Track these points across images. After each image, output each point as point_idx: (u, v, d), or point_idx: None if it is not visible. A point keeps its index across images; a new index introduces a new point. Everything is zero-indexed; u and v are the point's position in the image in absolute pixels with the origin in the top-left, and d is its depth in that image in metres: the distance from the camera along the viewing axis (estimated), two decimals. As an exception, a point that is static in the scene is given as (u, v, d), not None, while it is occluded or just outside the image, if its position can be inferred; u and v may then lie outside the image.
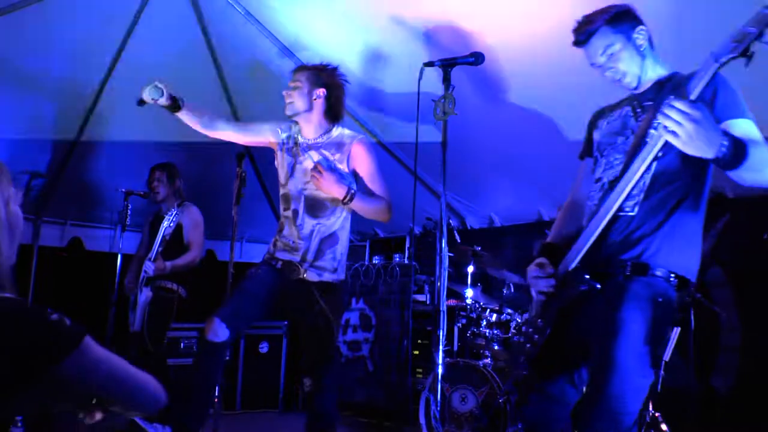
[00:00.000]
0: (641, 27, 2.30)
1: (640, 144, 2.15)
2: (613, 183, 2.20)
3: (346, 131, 3.40)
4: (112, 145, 5.64)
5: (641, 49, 2.29)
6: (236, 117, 5.72)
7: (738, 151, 1.88)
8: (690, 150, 1.86)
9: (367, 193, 3.31)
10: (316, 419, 3.23)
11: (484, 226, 6.01)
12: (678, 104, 1.83)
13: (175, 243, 4.67)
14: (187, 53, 5.13)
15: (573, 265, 2.22)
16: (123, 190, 4.77)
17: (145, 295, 4.63)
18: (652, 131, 2.13)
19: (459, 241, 5.38)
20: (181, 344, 5.68)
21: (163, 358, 4.78)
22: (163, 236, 4.46)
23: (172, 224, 4.46)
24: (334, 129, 3.38)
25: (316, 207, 3.27)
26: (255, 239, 7.07)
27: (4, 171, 1.50)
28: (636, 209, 2.19)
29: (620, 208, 2.18)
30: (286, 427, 5.70)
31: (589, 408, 2.08)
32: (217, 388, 3.38)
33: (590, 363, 2.22)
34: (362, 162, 3.29)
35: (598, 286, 2.16)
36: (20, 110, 5.10)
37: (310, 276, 3.24)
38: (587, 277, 2.16)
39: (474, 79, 4.12)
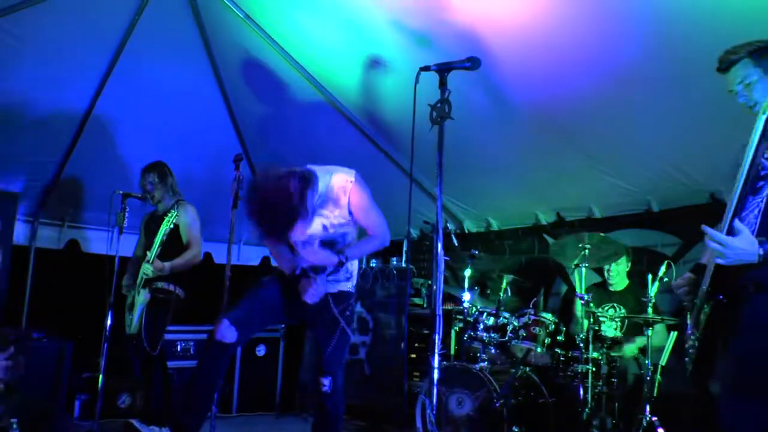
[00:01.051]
0: None
1: (756, 176, 2.32)
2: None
3: (336, 173, 3.23)
4: (110, 148, 5.66)
5: None
6: (234, 122, 5.75)
7: None
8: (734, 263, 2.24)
9: (359, 244, 3.35)
10: (327, 419, 3.29)
11: (481, 230, 6.02)
12: (709, 237, 2.24)
13: (174, 243, 4.67)
14: (185, 57, 5.16)
15: (704, 287, 2.46)
16: (120, 192, 4.76)
17: (143, 297, 4.64)
18: (761, 161, 2.29)
19: (456, 244, 5.40)
20: (178, 346, 5.69)
21: (162, 360, 4.78)
22: (162, 238, 4.47)
23: (171, 226, 4.47)
24: (324, 177, 3.18)
25: (331, 244, 3.27)
26: (251, 241, 7.07)
27: None
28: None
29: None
30: (282, 430, 5.70)
31: None
32: (217, 389, 3.39)
33: None
34: (357, 200, 3.21)
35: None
36: (18, 113, 5.11)
37: (328, 288, 3.31)
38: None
39: (473, 83, 4.13)
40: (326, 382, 3.26)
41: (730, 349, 2.38)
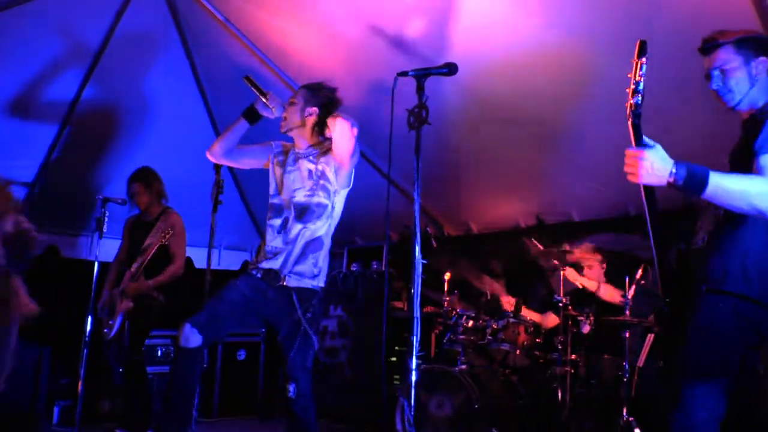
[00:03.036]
0: (763, 58, 2.43)
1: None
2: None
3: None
4: (89, 152, 5.64)
5: (754, 77, 2.42)
6: (214, 126, 5.75)
7: (692, 181, 2.15)
8: (645, 183, 2.21)
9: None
10: (296, 425, 3.27)
11: (461, 234, 6.06)
12: (629, 152, 2.21)
13: (159, 254, 4.67)
14: (164, 61, 5.16)
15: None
16: (100, 197, 4.76)
17: (125, 304, 4.64)
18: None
19: (435, 247, 5.43)
20: (159, 351, 5.68)
21: (143, 365, 4.78)
22: (155, 251, 4.50)
23: (165, 241, 4.48)
24: (327, 142, 3.44)
25: (303, 212, 3.33)
26: (233, 246, 7.07)
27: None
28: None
29: None
30: (264, 434, 5.73)
31: None
32: (196, 394, 3.39)
33: None
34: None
35: None
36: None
37: (290, 282, 3.28)
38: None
39: (451, 88, 4.17)
40: (290, 387, 3.26)
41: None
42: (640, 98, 2.29)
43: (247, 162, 3.65)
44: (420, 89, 2.84)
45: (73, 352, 4.89)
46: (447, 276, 4.93)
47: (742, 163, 2.31)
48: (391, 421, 4.47)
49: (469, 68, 3.92)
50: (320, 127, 3.47)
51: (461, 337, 4.60)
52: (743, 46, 2.43)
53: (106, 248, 5.08)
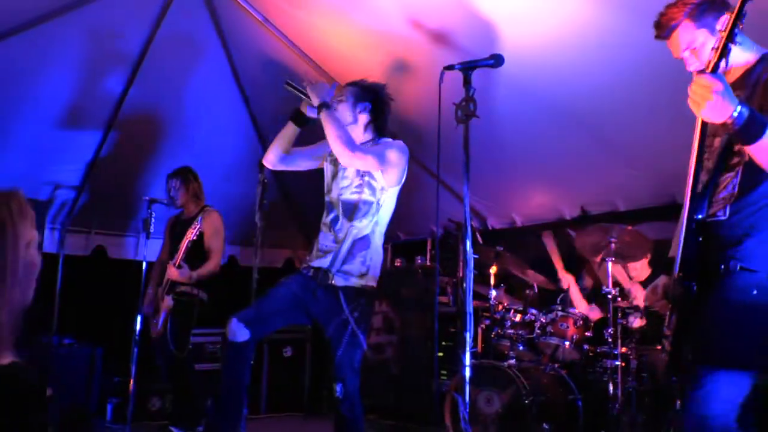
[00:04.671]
0: (726, 15, 2.20)
1: (724, 146, 2.17)
2: (706, 187, 2.22)
3: (389, 140, 3.44)
4: (134, 154, 5.72)
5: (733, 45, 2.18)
6: (255, 125, 5.77)
7: (756, 121, 1.92)
8: (706, 116, 1.95)
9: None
10: (344, 425, 3.26)
11: (505, 227, 6.00)
12: (700, 79, 1.92)
13: (196, 249, 4.71)
14: (205, 62, 5.19)
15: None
16: (146, 198, 4.82)
17: (166, 302, 4.69)
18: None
19: (481, 242, 5.38)
20: (207, 349, 5.74)
21: (189, 362, 4.83)
22: (187, 245, 4.52)
23: (195, 236, 4.51)
24: (380, 140, 3.42)
25: (351, 210, 3.31)
26: (276, 244, 7.10)
27: (30, 213, 1.45)
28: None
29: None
30: (310, 431, 5.73)
31: None
32: (246, 390, 3.39)
33: None
34: (388, 144, 3.35)
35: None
36: (43, 122, 5.18)
37: (338, 281, 3.27)
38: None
39: (495, 80, 4.12)
40: (337, 387, 3.25)
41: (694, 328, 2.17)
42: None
43: (303, 164, 3.63)
44: (467, 82, 2.80)
45: (124, 350, 4.95)
46: (493, 270, 4.88)
47: None
48: (440, 416, 4.45)
49: (512, 58, 3.86)
50: (373, 123, 3.45)
51: (509, 331, 4.55)
52: (700, 14, 2.22)
53: (154, 248, 5.16)
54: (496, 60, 2.86)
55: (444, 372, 5.40)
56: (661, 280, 2.48)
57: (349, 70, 4.86)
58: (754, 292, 2.06)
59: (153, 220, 4.72)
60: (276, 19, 4.66)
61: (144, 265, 4.82)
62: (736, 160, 2.18)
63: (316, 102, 3.27)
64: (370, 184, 3.33)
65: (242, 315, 3.20)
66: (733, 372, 2.06)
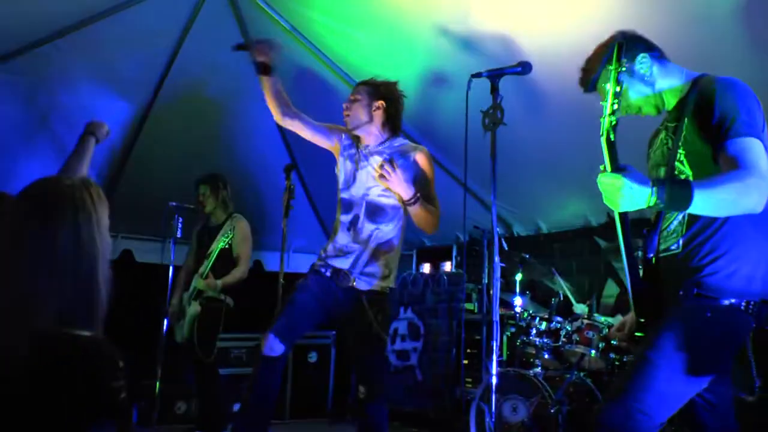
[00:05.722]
0: (642, 55, 2.25)
1: (671, 176, 2.13)
2: (655, 222, 2.21)
3: (407, 141, 3.45)
4: (162, 159, 5.76)
5: (647, 79, 2.26)
6: (282, 132, 5.79)
7: (675, 200, 1.92)
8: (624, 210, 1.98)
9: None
10: (369, 428, 3.25)
11: (531, 233, 5.96)
12: (601, 179, 1.98)
13: (225, 257, 4.76)
14: (232, 67, 5.22)
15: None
16: (173, 204, 4.86)
17: (193, 308, 4.72)
18: (677, 164, 2.12)
19: (506, 248, 5.35)
20: (232, 354, 5.77)
21: (215, 367, 4.85)
22: (215, 253, 4.56)
23: (226, 245, 4.55)
24: (396, 140, 3.43)
25: (376, 213, 3.30)
26: (301, 249, 7.12)
27: (105, 200, 1.55)
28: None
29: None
30: (335, 436, 5.75)
31: None
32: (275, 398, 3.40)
33: None
34: (423, 170, 3.35)
35: None
36: (71, 127, 5.23)
37: (360, 284, 3.26)
38: None
39: (521, 86, 4.10)
40: (362, 390, 3.25)
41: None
42: (617, 111, 2.03)
43: (309, 134, 3.63)
44: (494, 90, 2.80)
45: (150, 353, 5.00)
46: (518, 277, 4.85)
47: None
48: (465, 425, 4.42)
49: (539, 64, 3.84)
50: (389, 120, 3.45)
51: (535, 339, 4.51)
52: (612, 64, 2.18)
53: (180, 254, 5.19)
54: (524, 67, 2.87)
55: (469, 380, 5.37)
56: (629, 317, 2.45)
57: (377, 78, 4.89)
58: (708, 314, 2.04)
59: (179, 225, 4.76)
60: (302, 27, 4.67)
61: (170, 269, 4.86)
62: None
63: (407, 197, 3.24)
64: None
65: (277, 328, 3.19)
66: (680, 379, 2.02)
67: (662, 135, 2.29)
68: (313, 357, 6.11)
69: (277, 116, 3.61)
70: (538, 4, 3.63)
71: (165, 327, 4.86)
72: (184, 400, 5.50)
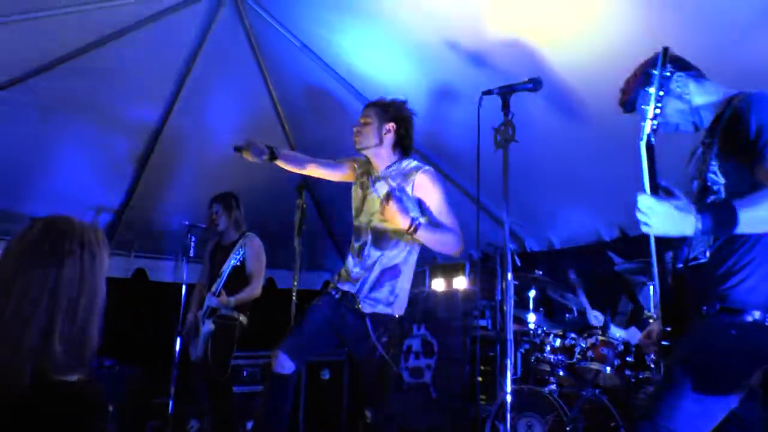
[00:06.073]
0: (678, 74, 2.28)
1: (704, 190, 2.16)
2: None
3: (413, 162, 3.45)
4: (175, 178, 5.79)
5: (684, 96, 2.28)
6: (292, 148, 5.81)
7: (722, 226, 1.90)
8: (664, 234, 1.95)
9: (435, 224, 3.32)
10: None
11: (543, 249, 5.93)
12: (642, 200, 1.95)
13: (238, 274, 4.77)
14: (243, 86, 5.25)
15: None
16: (186, 223, 4.88)
17: (207, 326, 4.72)
18: (711, 175, 2.15)
19: (519, 264, 5.33)
20: (244, 372, 5.76)
21: (228, 386, 4.84)
22: (228, 271, 4.56)
23: (238, 262, 4.56)
24: (404, 161, 3.43)
25: (381, 239, 3.31)
26: (312, 267, 7.12)
27: (106, 242, 1.58)
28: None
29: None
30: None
31: None
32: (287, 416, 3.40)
33: None
34: (427, 193, 3.32)
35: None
36: (85, 146, 5.28)
37: (365, 307, 3.27)
38: None
39: (532, 101, 4.10)
40: (368, 413, 3.25)
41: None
42: (659, 116, 2.03)
43: (324, 173, 3.73)
44: (505, 106, 2.80)
45: (163, 372, 5.00)
46: (531, 293, 4.82)
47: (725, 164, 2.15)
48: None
49: (549, 79, 3.84)
50: (399, 144, 3.46)
51: (549, 356, 4.47)
52: (652, 82, 2.21)
53: (193, 272, 5.21)
54: (535, 84, 2.87)
55: (483, 397, 5.33)
56: (656, 325, 2.45)
57: (387, 95, 4.90)
58: (732, 331, 2.04)
59: (192, 244, 4.77)
60: (313, 45, 4.69)
61: (184, 287, 4.86)
62: (712, 201, 2.17)
63: (404, 227, 3.21)
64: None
65: (287, 346, 3.21)
66: (708, 398, 2.02)
67: (699, 151, 2.33)
68: (326, 374, 6.09)
69: (294, 170, 3.74)
70: (550, 18, 3.63)
71: (178, 345, 4.86)
72: (197, 418, 5.48)
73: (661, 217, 1.91)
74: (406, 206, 3.26)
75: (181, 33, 4.64)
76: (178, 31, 4.59)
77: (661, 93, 2.02)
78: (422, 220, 3.26)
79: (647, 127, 2.01)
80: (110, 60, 4.54)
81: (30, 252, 1.47)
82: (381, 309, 3.29)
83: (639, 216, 1.96)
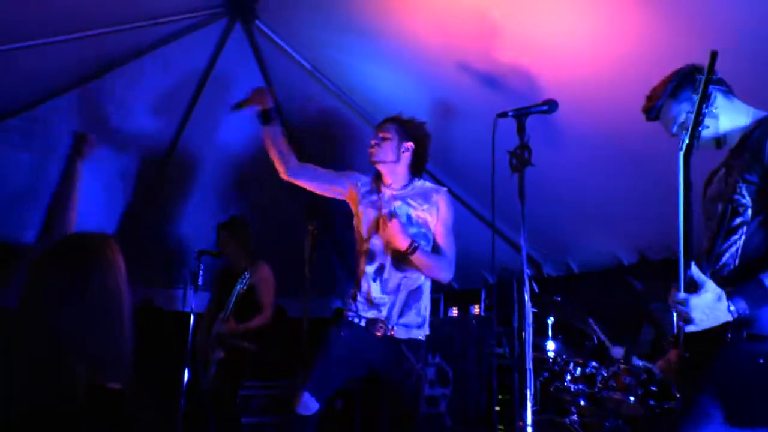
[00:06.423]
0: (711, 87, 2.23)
1: (730, 213, 2.17)
2: (708, 253, 2.22)
3: (428, 184, 3.48)
4: (183, 205, 5.84)
5: (713, 110, 2.28)
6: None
7: (757, 302, 1.98)
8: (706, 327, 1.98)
9: (433, 248, 3.35)
10: None
11: (561, 274, 5.93)
12: (675, 299, 2.00)
13: (248, 303, 4.77)
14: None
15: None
16: (196, 249, 4.90)
17: (216, 355, 4.73)
18: (737, 197, 2.16)
19: (537, 290, 5.32)
20: (254, 402, 5.76)
21: (237, 416, 4.85)
22: (235, 298, 4.58)
23: (244, 287, 4.57)
24: (418, 182, 3.45)
25: (403, 260, 3.30)
26: (321, 293, 7.13)
27: (120, 252, 1.62)
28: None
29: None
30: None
31: None
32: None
33: None
34: (440, 213, 3.34)
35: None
36: (91, 174, 5.33)
37: (399, 333, 3.26)
38: None
39: (547, 122, 4.13)
40: None
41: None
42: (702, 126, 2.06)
43: (317, 187, 3.65)
44: (521, 129, 2.82)
45: (171, 402, 5.00)
46: (550, 320, 4.82)
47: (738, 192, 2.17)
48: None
49: (565, 100, 3.87)
50: (416, 162, 3.47)
51: (569, 385, 4.46)
52: (679, 90, 2.33)
53: (202, 300, 5.22)
54: (550, 106, 2.89)
55: (501, 427, 5.30)
56: (672, 353, 2.46)
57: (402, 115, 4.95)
58: (761, 360, 2.03)
59: (201, 272, 4.79)
60: (324, 68, 4.75)
61: (192, 317, 4.88)
62: (738, 222, 2.18)
63: (402, 248, 3.24)
64: (426, 235, 3.35)
65: (312, 385, 3.19)
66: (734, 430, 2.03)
67: (722, 172, 2.33)
68: (338, 404, 6.08)
69: (281, 171, 3.64)
70: (563, 39, 3.67)
71: (186, 376, 4.87)
72: (205, 449, 5.49)
73: (699, 313, 1.96)
74: (406, 227, 3.29)
75: (190, 55, 4.72)
76: (186, 55, 4.67)
77: (708, 98, 2.05)
78: (422, 242, 3.29)
79: (689, 137, 2.04)
80: (118, 86, 4.61)
81: (56, 270, 1.52)
82: (414, 333, 3.30)
83: (678, 315, 2.02)
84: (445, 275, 3.35)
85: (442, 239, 3.36)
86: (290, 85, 5.06)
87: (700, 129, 2.05)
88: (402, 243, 3.20)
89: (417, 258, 3.22)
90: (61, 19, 3.88)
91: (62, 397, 1.39)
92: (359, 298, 3.40)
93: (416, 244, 3.21)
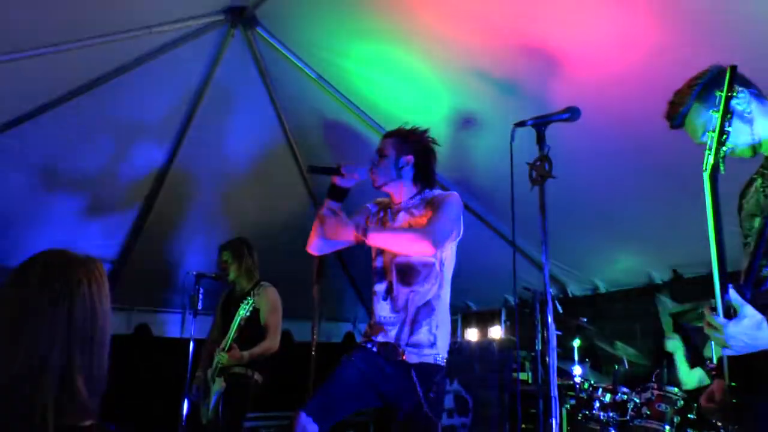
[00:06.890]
0: (740, 91, 2.18)
1: (765, 227, 2.11)
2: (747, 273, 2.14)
3: (437, 192, 3.43)
4: (180, 223, 5.83)
5: (746, 115, 2.20)
6: (309, 189, 5.84)
7: None
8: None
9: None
10: None
11: (587, 293, 5.88)
12: (711, 321, 1.90)
13: (252, 328, 4.73)
14: (253, 121, 5.31)
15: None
16: (194, 272, 4.87)
17: (218, 385, 4.69)
18: None
19: (561, 311, 5.28)
20: (260, 434, 5.74)
21: (241, 451, 4.81)
22: (239, 324, 4.54)
23: (247, 314, 4.53)
24: (428, 192, 3.41)
25: (408, 274, 3.26)
26: (331, 318, 7.10)
27: (105, 273, 1.60)
28: None
29: None
30: None
31: None
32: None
33: None
34: (438, 202, 3.28)
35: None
36: (83, 194, 5.34)
37: (409, 357, 3.21)
38: None
39: (570, 133, 4.10)
40: None
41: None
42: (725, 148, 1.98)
43: (345, 244, 3.47)
44: (540, 139, 2.78)
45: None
46: (576, 343, 4.77)
47: None
48: None
49: (589, 109, 3.84)
50: (420, 174, 3.44)
51: (598, 413, 4.40)
52: (709, 94, 2.17)
53: (202, 325, 5.19)
54: (572, 113, 2.84)
55: (525, 459, 5.25)
56: (717, 385, 2.33)
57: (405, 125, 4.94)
58: None
59: (201, 296, 4.76)
60: (330, 76, 4.75)
61: (191, 344, 4.85)
62: None
63: (360, 176, 3.31)
64: None
65: (311, 407, 3.13)
66: None
67: (758, 182, 2.26)
68: (349, 436, 6.05)
69: (317, 246, 3.49)
70: (583, 47, 3.65)
71: (186, 408, 4.83)
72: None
73: (738, 341, 1.88)
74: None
75: (188, 67, 4.74)
76: (184, 65, 4.68)
77: (729, 116, 1.96)
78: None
79: (713, 157, 1.96)
80: (109, 99, 4.62)
81: (35, 293, 1.49)
82: (426, 355, 3.23)
83: (716, 341, 1.95)
84: (419, 247, 3.14)
85: (430, 218, 3.27)
86: (293, 93, 5.06)
87: (725, 149, 1.97)
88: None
89: (374, 237, 3.15)
90: (52, 29, 3.91)
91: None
92: (372, 323, 3.38)
93: (364, 227, 3.18)
